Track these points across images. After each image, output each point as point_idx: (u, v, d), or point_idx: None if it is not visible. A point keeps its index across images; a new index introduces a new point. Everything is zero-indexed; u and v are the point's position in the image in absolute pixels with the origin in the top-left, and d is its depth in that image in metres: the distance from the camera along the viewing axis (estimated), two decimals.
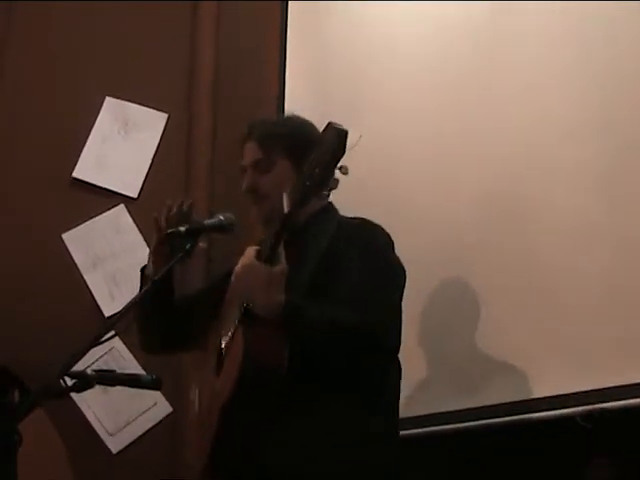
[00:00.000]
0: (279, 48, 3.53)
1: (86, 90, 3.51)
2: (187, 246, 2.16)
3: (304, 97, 2.84)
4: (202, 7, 3.61)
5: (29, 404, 1.86)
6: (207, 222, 2.25)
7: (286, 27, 3.52)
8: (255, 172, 2.23)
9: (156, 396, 3.19)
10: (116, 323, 2.03)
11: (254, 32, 3.59)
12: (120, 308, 3.24)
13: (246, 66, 3.58)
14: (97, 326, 3.28)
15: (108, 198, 3.44)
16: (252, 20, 3.61)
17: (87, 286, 3.34)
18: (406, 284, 2.12)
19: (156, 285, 2.13)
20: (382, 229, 2.17)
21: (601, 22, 2.34)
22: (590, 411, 2.18)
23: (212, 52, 3.58)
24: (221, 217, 2.24)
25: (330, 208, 2.25)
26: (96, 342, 1.98)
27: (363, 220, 2.19)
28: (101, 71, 3.54)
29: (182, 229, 2.20)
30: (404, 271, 2.13)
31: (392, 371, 2.14)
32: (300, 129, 2.27)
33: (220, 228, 2.24)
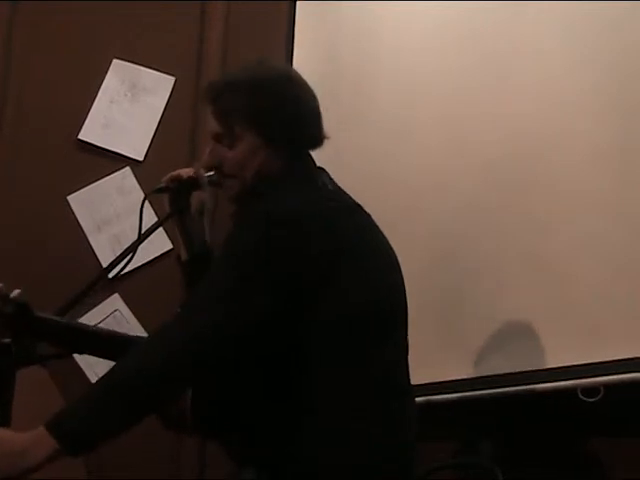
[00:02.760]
0: (285, 49, 3.50)
1: (93, 52, 3.49)
2: (175, 205, 2.11)
3: None
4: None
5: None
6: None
7: (293, 27, 3.49)
8: (217, 146, 2.00)
9: None
10: (110, 270, 2.05)
11: (261, 31, 3.56)
12: (124, 270, 3.30)
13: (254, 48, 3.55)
14: (101, 287, 3.30)
15: (114, 161, 3.43)
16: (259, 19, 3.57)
17: (92, 248, 3.34)
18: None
19: (144, 238, 2.06)
20: (256, 225, 1.82)
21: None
22: (591, 385, 2.18)
23: (221, 29, 3.56)
24: (212, 172, 2.10)
25: (269, 178, 1.95)
26: (90, 288, 1.97)
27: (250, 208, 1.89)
28: (109, 33, 3.52)
29: (171, 185, 2.12)
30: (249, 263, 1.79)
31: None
32: (263, 87, 1.97)
33: (213, 182, 2.12)
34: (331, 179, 2.01)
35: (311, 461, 1.76)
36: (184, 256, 2.18)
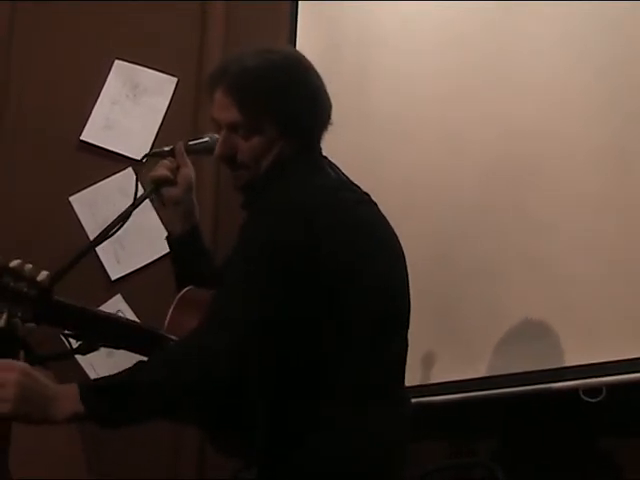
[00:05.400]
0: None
1: (95, 53, 3.50)
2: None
3: None
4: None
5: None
6: (192, 143, 2.15)
7: (296, 28, 3.49)
8: (233, 135, 1.93)
9: None
10: (98, 244, 2.05)
11: (262, 31, 3.55)
12: (126, 271, 3.31)
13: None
14: (103, 288, 3.31)
15: (116, 161, 3.43)
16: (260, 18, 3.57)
17: (94, 249, 3.34)
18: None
19: (133, 208, 2.04)
20: (273, 217, 1.80)
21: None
22: (594, 385, 2.18)
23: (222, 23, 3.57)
24: (207, 138, 2.13)
25: (283, 168, 1.92)
26: (78, 259, 1.94)
27: (270, 198, 1.85)
28: (110, 34, 3.52)
29: (166, 149, 2.14)
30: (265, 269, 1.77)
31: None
32: (287, 79, 1.90)
33: (206, 150, 2.13)
34: (336, 166, 1.99)
35: (311, 458, 1.76)
36: (176, 231, 2.17)
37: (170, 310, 2.04)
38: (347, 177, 1.98)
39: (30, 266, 1.80)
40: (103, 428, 1.68)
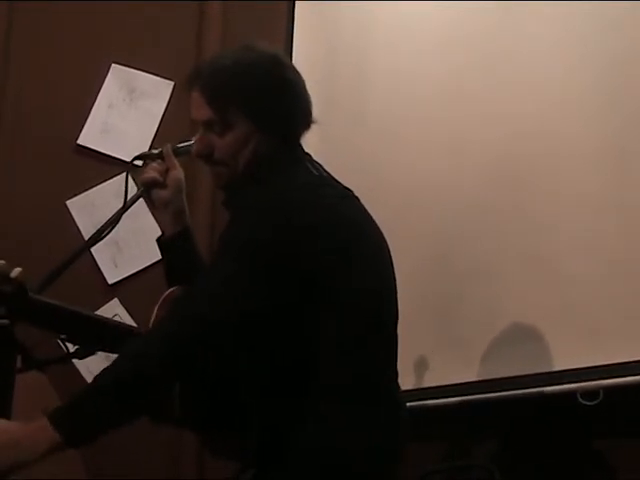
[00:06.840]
0: (284, 50, 3.50)
1: (92, 55, 3.50)
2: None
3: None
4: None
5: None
6: (179, 145, 2.16)
7: (292, 28, 3.49)
8: (209, 133, 1.96)
9: None
10: (94, 243, 2.08)
11: (260, 32, 3.55)
12: (124, 275, 3.30)
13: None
14: (101, 292, 3.31)
15: (113, 165, 3.43)
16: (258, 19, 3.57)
17: (90, 253, 3.33)
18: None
19: (130, 204, 2.09)
20: (254, 215, 1.82)
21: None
22: (591, 388, 2.17)
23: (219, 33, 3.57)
24: (194, 140, 2.09)
25: (262, 164, 1.93)
26: (71, 261, 1.97)
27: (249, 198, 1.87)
28: (107, 37, 3.52)
29: (155, 151, 2.17)
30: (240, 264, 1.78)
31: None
32: (256, 73, 1.92)
33: (182, 154, 2.16)
34: (318, 163, 1.99)
35: (304, 458, 1.76)
36: (166, 233, 2.19)
37: (155, 310, 2.04)
38: (329, 174, 1.98)
39: (2, 262, 1.79)
40: (90, 444, 1.67)
